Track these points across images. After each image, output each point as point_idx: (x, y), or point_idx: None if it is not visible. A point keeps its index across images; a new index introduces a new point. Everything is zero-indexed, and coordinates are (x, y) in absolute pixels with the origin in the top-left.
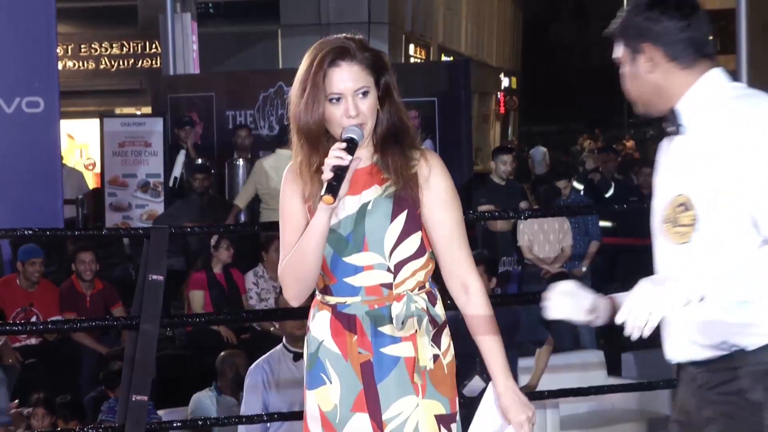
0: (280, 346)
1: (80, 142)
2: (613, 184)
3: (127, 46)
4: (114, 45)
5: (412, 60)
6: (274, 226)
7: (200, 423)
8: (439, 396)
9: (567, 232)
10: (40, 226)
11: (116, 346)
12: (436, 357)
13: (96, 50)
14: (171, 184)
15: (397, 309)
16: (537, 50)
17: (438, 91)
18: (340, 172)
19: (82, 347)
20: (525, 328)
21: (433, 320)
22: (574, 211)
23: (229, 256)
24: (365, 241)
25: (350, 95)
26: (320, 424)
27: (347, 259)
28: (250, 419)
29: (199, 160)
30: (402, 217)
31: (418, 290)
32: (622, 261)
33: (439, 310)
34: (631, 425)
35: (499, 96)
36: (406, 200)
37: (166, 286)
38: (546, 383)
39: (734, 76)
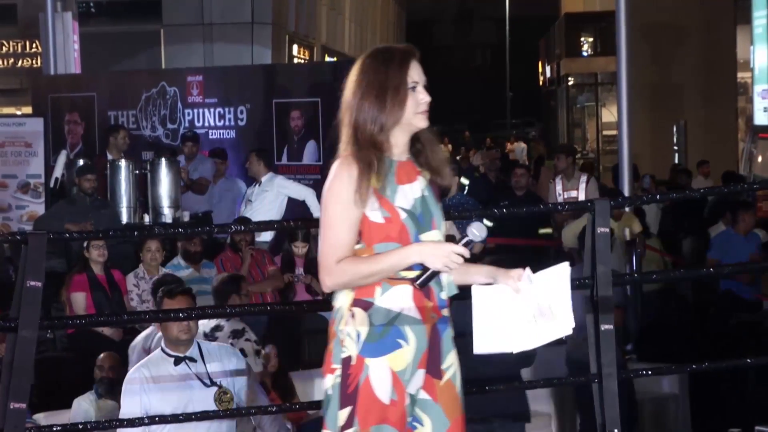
0: (158, 350)
1: None
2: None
3: (7, 45)
4: None
5: (295, 60)
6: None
7: (80, 427)
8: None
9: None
10: None
11: None
12: None
13: None
14: (52, 184)
15: (446, 277)
16: (420, 51)
17: (321, 91)
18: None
19: None
20: None
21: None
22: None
23: (99, 255)
24: (433, 220)
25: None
26: (391, 383)
27: (422, 237)
28: (131, 422)
29: (81, 161)
30: (438, 200)
31: None
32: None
33: None
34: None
35: None
36: (437, 187)
37: (47, 287)
38: None
39: (615, 77)
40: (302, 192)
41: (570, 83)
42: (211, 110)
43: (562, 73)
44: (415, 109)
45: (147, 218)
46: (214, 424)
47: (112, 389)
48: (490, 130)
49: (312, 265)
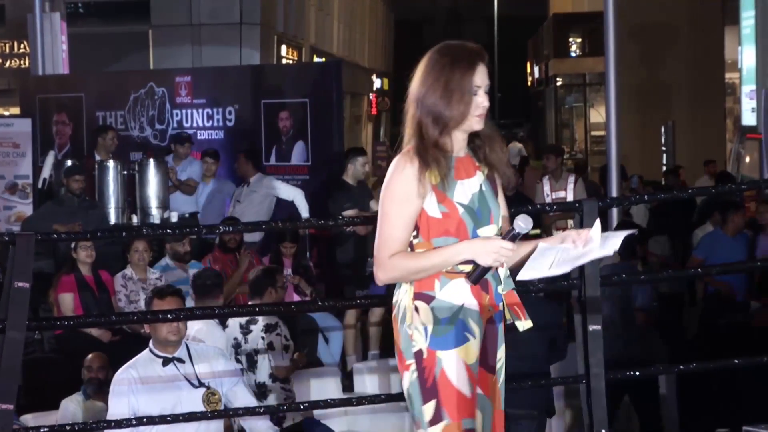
0: (146, 351)
1: None
2: None
3: None
4: None
5: (284, 61)
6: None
7: (68, 428)
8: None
9: None
10: None
11: None
12: None
13: None
14: (40, 185)
15: (503, 272)
16: (409, 52)
17: (310, 92)
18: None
19: None
20: None
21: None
22: None
23: (87, 255)
24: (491, 215)
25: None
26: (467, 376)
27: (480, 231)
28: (119, 423)
29: (69, 162)
30: (500, 194)
31: None
32: None
33: None
34: None
35: (371, 97)
36: (496, 181)
37: (35, 288)
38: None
39: (603, 77)
40: (291, 192)
41: (558, 84)
42: (200, 111)
43: (551, 74)
44: (474, 112)
45: (135, 219)
46: (202, 425)
47: (100, 390)
48: None
49: (300, 266)
